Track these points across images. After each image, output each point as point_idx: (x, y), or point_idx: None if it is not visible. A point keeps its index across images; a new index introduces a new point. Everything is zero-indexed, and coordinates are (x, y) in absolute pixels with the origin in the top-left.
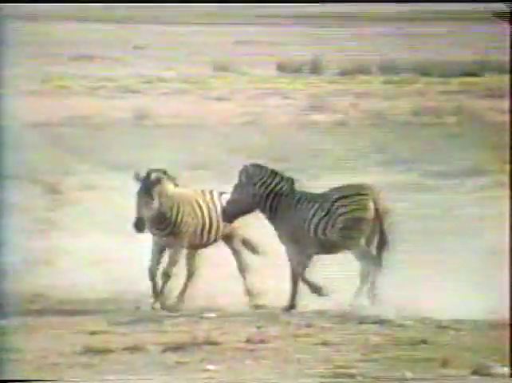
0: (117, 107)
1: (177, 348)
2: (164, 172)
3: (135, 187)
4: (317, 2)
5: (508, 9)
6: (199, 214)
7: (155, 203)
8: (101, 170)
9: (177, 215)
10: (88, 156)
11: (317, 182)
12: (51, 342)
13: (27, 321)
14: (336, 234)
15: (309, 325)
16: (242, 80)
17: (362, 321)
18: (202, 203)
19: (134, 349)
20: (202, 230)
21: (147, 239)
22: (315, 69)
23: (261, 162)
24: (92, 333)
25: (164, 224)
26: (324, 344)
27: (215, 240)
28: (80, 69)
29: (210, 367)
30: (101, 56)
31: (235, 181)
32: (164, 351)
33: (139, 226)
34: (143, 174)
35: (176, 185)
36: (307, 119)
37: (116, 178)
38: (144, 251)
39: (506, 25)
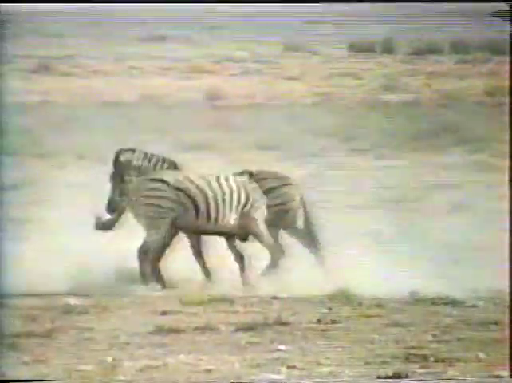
0: (189, 87)
1: (248, 328)
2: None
3: (211, 167)
4: None
5: (508, 9)
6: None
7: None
8: (172, 149)
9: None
10: (160, 136)
11: (383, 161)
12: (123, 322)
13: (100, 301)
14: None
15: (379, 306)
16: (313, 60)
17: (434, 302)
18: (202, 186)
19: (205, 328)
20: (197, 214)
21: None
22: (387, 48)
23: (331, 141)
24: (164, 313)
25: None
26: (396, 325)
27: (224, 228)
28: (152, 49)
29: (281, 347)
30: (174, 36)
31: (304, 160)
32: (235, 331)
33: (110, 207)
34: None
35: (176, 168)
36: (378, 99)
37: (189, 158)
38: None
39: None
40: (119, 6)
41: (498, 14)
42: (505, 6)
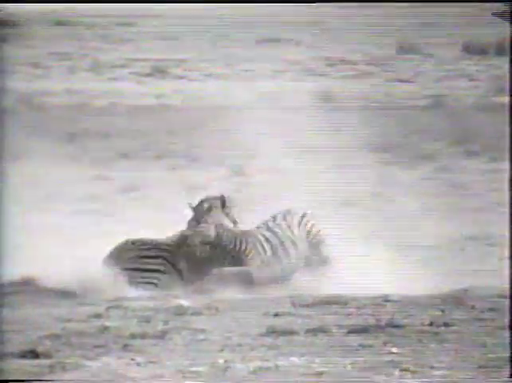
0: (302, 89)
1: (361, 330)
2: (223, 202)
3: (322, 169)
4: None
5: (508, 9)
6: (264, 240)
7: (207, 230)
8: (283, 152)
9: (239, 249)
10: (271, 138)
11: (497, 164)
12: (235, 323)
13: (211, 302)
14: None
15: (492, 309)
16: (426, 62)
17: None
18: (269, 233)
19: (317, 331)
20: (274, 255)
21: None
22: (501, 50)
23: (443, 144)
24: (276, 314)
25: (223, 257)
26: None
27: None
28: (265, 52)
29: (394, 350)
30: (287, 39)
31: (415, 163)
32: (348, 333)
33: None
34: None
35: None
36: (492, 101)
37: (297, 161)
38: None
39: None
40: (232, 9)
41: (498, 15)
42: (504, 7)
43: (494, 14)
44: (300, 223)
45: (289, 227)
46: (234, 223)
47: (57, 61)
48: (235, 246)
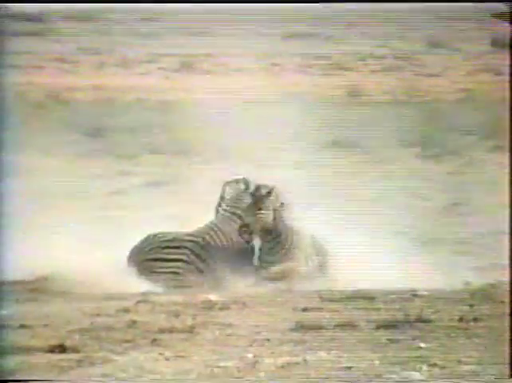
0: (330, 84)
1: (389, 325)
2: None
3: (351, 164)
4: None
5: (508, 10)
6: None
7: (267, 216)
8: (313, 147)
9: (292, 242)
10: (301, 133)
11: None
12: (264, 318)
13: (239, 297)
14: None
15: None
16: (455, 57)
17: None
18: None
19: (346, 325)
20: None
21: None
22: None
23: (472, 139)
24: (305, 309)
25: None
26: None
27: None
28: (293, 46)
29: (423, 345)
30: (315, 33)
31: (444, 158)
32: (376, 328)
33: (242, 232)
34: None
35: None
36: None
37: (327, 156)
38: None
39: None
40: (260, 4)
41: (498, 15)
42: (504, 7)
43: (493, 15)
44: None
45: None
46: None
47: (84, 56)
48: (287, 237)
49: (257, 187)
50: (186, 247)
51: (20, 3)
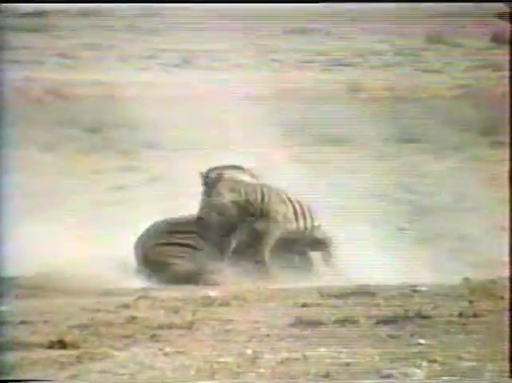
0: (329, 80)
1: (389, 321)
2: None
3: (350, 160)
4: None
5: (508, 10)
6: (286, 198)
7: (223, 199)
8: (312, 143)
9: (262, 197)
10: (298, 129)
11: None
12: (263, 314)
13: (239, 293)
14: None
15: None
16: (454, 52)
17: None
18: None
19: (345, 321)
20: (295, 214)
21: None
22: None
23: (471, 135)
24: (304, 305)
25: (252, 210)
26: None
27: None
28: (293, 42)
29: (422, 341)
30: (314, 29)
31: (444, 153)
32: (376, 324)
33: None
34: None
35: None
36: None
37: (327, 152)
38: None
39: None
40: (260, 4)
41: (498, 15)
42: (504, 7)
43: (493, 15)
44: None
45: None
46: (253, 176)
47: (84, 51)
48: (257, 197)
49: (207, 174)
50: (193, 232)
51: (20, 3)
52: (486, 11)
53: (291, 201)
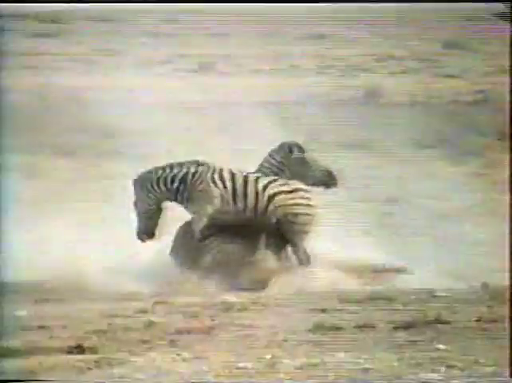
0: (348, 86)
1: (408, 326)
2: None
3: (368, 165)
4: None
5: (508, 10)
6: (220, 182)
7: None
8: (330, 148)
9: (192, 177)
10: (316, 135)
11: None
12: (282, 319)
13: (257, 298)
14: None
15: None
16: (473, 58)
17: None
18: (224, 174)
19: (364, 327)
20: (234, 196)
21: None
22: None
23: (489, 139)
24: (323, 310)
25: (182, 190)
26: None
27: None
28: (310, 47)
29: (441, 346)
30: (333, 34)
31: (463, 159)
32: (394, 329)
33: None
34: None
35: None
36: None
37: (345, 157)
38: None
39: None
40: (280, 5)
41: (498, 15)
42: (504, 7)
43: (493, 15)
44: (264, 188)
45: (245, 183)
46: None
47: (102, 56)
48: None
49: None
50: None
51: (34, 3)
52: (503, 16)
53: (234, 182)
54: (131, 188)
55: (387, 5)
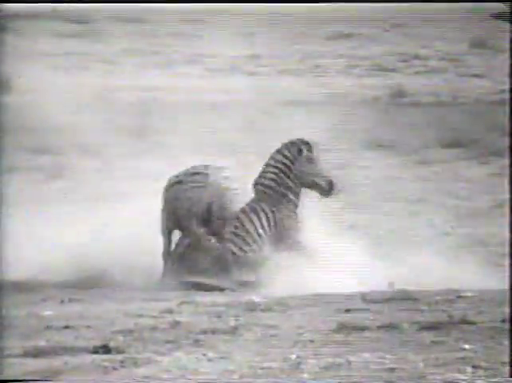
0: (373, 85)
1: (433, 327)
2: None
3: (392, 165)
4: None
5: (508, 9)
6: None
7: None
8: (355, 148)
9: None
10: (344, 134)
11: None
12: (307, 319)
13: (283, 299)
14: None
15: None
16: (499, 57)
17: None
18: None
19: (389, 327)
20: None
21: None
22: None
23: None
24: (347, 310)
25: None
26: None
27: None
28: (335, 47)
29: (466, 346)
30: (358, 34)
31: (488, 159)
32: (420, 330)
33: None
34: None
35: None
36: None
37: (370, 157)
38: None
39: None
40: (306, 5)
41: (498, 15)
42: (504, 7)
43: (492, 15)
44: None
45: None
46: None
47: (128, 57)
48: None
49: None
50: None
51: (60, 3)
52: (503, 16)
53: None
54: (154, 186)
55: (413, 4)
